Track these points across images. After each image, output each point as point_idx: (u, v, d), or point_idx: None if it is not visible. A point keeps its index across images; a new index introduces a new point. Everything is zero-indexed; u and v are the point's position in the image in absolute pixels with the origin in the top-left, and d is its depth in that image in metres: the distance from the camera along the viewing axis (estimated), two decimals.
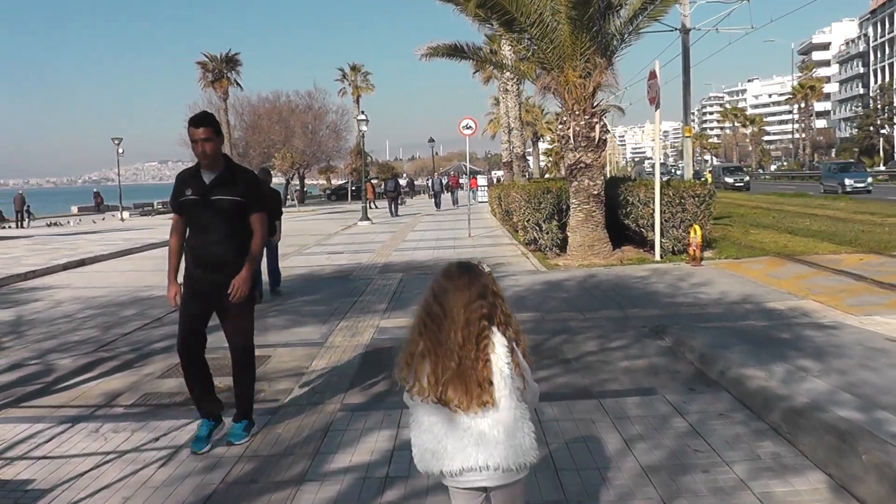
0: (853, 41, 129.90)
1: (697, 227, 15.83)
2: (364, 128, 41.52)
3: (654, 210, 16.81)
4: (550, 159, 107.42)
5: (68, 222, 52.42)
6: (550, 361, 8.42)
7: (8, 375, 9.08)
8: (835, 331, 9.05)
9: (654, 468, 5.42)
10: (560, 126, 18.29)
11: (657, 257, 16.84)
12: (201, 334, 6.31)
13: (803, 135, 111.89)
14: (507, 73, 36.31)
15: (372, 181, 66.72)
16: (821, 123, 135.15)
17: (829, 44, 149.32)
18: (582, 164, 17.52)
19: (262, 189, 6.59)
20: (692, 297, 12.17)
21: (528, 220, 19.62)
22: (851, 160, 69.59)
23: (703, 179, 27.91)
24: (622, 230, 19.47)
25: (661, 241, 16.90)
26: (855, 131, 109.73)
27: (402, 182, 70.46)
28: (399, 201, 47.88)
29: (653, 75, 17.23)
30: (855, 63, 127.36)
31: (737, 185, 64.33)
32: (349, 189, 77.66)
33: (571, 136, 17.50)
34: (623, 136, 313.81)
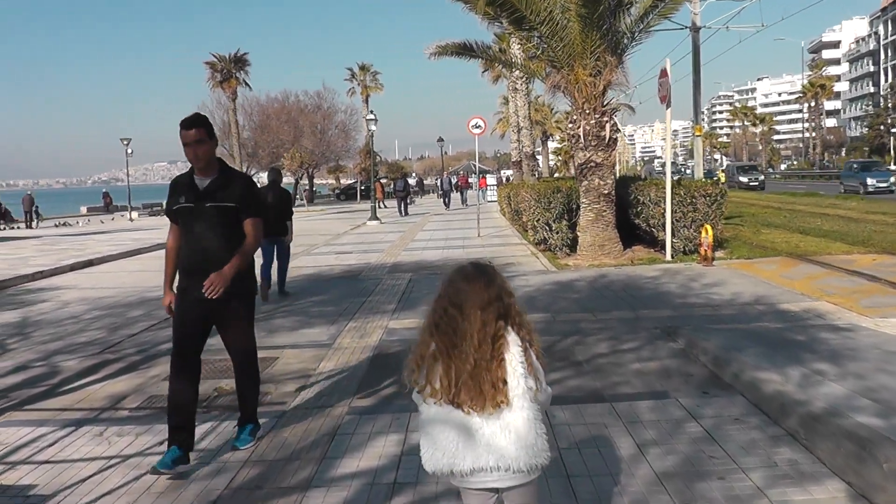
0: (863, 39, 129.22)
1: (709, 227, 15.69)
2: (373, 127, 41.48)
3: (665, 209, 16.67)
4: (560, 158, 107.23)
5: (77, 223, 52.49)
6: (562, 363, 8.30)
7: (13, 378, 9.02)
8: (850, 333, 8.90)
9: (669, 475, 5.29)
10: (570, 125, 18.18)
11: (668, 257, 16.70)
12: (195, 356, 5.99)
13: (813, 134, 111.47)
14: (517, 72, 36.16)
15: (381, 181, 66.68)
16: (831, 122, 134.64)
17: (840, 42, 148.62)
18: (592, 164, 17.40)
19: (258, 193, 6.34)
20: (704, 297, 12.04)
21: (538, 219, 19.51)
22: (872, 159, 68.58)
23: (715, 178, 27.76)
24: (633, 230, 19.34)
25: (672, 241, 16.77)
26: (865, 130, 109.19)
27: (412, 182, 70.36)
28: (408, 201, 47.79)
29: (663, 73, 17.09)
30: (865, 61, 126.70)
31: (751, 184, 63.15)
32: (358, 189, 77.68)
33: (581, 134, 17.38)
34: (633, 136, 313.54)
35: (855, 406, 5.89)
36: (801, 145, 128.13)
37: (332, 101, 78.81)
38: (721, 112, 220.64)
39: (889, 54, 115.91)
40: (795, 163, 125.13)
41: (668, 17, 18.25)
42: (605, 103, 17.61)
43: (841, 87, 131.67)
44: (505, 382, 3.17)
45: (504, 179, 65.37)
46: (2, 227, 49.25)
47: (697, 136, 29.96)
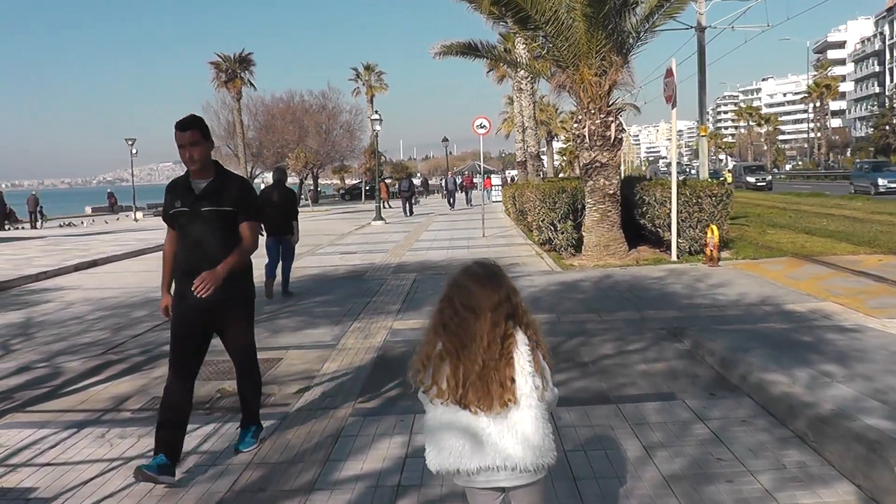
0: (869, 39, 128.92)
1: (714, 228, 15.62)
2: (378, 127, 41.46)
3: (670, 210, 16.61)
4: (565, 158, 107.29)
5: (81, 223, 52.55)
6: (567, 364, 8.24)
7: (15, 379, 8.98)
8: (857, 334, 8.83)
9: (676, 477, 5.24)
10: (575, 125, 18.13)
11: (674, 258, 16.65)
12: (193, 366, 5.83)
13: (818, 134, 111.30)
14: (522, 72, 36.15)
15: (386, 181, 66.65)
16: (836, 122, 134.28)
17: (845, 42, 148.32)
18: (597, 164, 17.35)
19: (255, 196, 6.15)
20: (710, 298, 11.97)
21: (543, 219, 19.46)
22: (879, 159, 67.93)
23: (721, 179, 27.65)
24: (638, 230, 19.28)
25: (677, 242, 16.70)
26: (871, 130, 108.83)
27: (416, 182, 70.36)
28: (413, 201, 47.76)
29: (669, 73, 17.04)
30: (870, 61, 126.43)
31: (759, 184, 62.06)
32: (363, 189, 77.65)
33: (587, 134, 17.32)
34: (637, 136, 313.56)
35: (864, 408, 5.83)
36: (805, 146, 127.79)
37: (336, 101, 78.92)
38: (726, 112, 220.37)
39: (894, 54, 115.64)
40: (800, 163, 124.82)
41: (673, 17, 18.20)
42: (610, 103, 17.56)
43: (846, 87, 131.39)
44: (513, 381, 3.15)
45: (509, 179, 65.36)
46: (6, 227, 49.25)
47: (703, 136, 29.87)
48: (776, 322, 9.90)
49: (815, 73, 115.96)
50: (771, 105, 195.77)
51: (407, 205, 45.52)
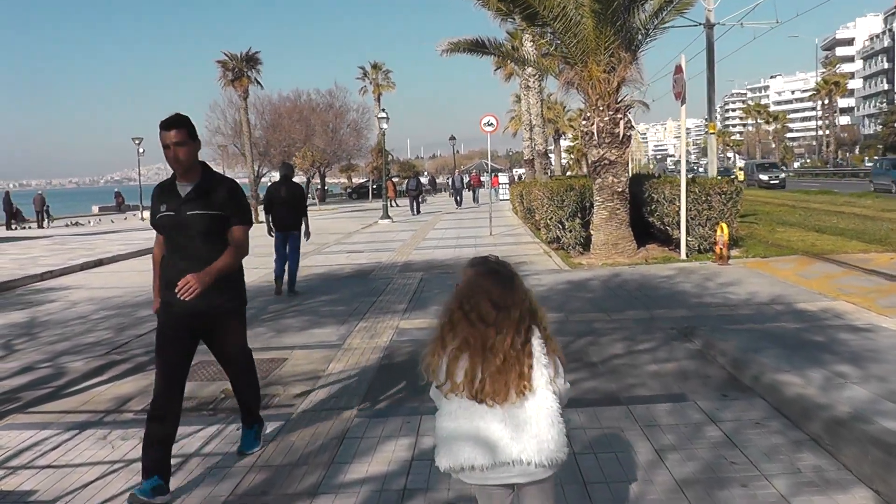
0: (877, 36, 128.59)
1: (724, 226, 15.48)
2: (385, 126, 41.38)
3: (679, 207, 16.49)
4: (572, 157, 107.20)
5: (88, 222, 52.64)
6: (576, 364, 8.14)
7: (18, 379, 8.90)
8: (870, 334, 8.70)
9: (689, 482, 5.11)
10: (583, 122, 17.99)
11: (683, 256, 16.52)
12: (181, 378, 5.46)
13: (827, 131, 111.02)
14: (529, 69, 35.99)
15: (393, 179, 66.59)
16: (844, 120, 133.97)
17: (853, 39, 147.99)
18: (606, 161, 17.23)
19: (245, 199, 5.83)
20: (720, 297, 11.84)
21: (551, 218, 19.34)
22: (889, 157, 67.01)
23: (733, 177, 27.44)
24: (646, 228, 19.16)
25: (686, 240, 16.58)
26: (879, 128, 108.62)
27: (424, 180, 70.29)
28: (420, 199, 47.69)
29: (678, 69, 16.90)
30: (879, 59, 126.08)
31: (772, 182, 60.08)
32: (370, 187, 77.64)
33: (595, 132, 17.20)
34: (645, 134, 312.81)
35: (880, 410, 5.71)
36: (814, 143, 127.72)
37: (343, 100, 78.72)
38: (734, 110, 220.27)
39: None
40: (808, 161, 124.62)
41: (682, 13, 18.10)
42: (618, 100, 17.44)
43: (855, 84, 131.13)
44: (531, 367, 3.19)
45: (516, 178, 65.29)
46: (13, 226, 49.34)
47: (711, 133, 29.66)
48: (788, 321, 9.77)
49: (824, 70, 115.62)
50: (779, 102, 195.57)
51: (414, 203, 45.48)
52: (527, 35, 31.56)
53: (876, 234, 20.16)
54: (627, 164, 18.36)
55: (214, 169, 5.79)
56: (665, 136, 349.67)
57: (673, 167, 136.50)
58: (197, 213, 5.37)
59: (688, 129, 17.18)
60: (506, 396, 3.15)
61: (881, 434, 5.16)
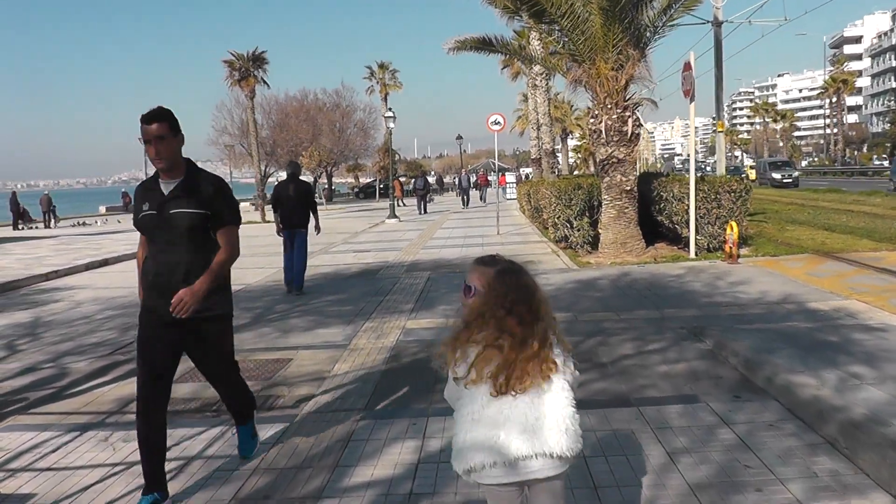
0: (886, 34, 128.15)
1: (734, 224, 15.34)
2: (392, 125, 41.37)
3: (688, 206, 16.35)
4: (579, 156, 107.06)
5: (95, 222, 52.69)
6: (586, 365, 7.99)
7: (20, 380, 8.82)
8: (884, 333, 8.56)
9: (702, 486, 4.98)
10: (591, 120, 17.88)
11: (692, 255, 16.39)
12: (165, 388, 5.21)
13: (835, 130, 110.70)
14: (536, 68, 35.91)
15: (400, 179, 66.52)
16: (852, 118, 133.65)
17: (861, 37, 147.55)
18: (614, 159, 17.12)
19: (233, 197, 5.52)
20: (731, 296, 11.71)
21: (559, 216, 19.21)
22: None
23: (743, 175, 27.27)
24: (655, 227, 19.03)
25: (696, 238, 16.44)
26: (887, 126, 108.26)
27: (431, 180, 70.27)
28: (427, 199, 47.64)
29: (687, 67, 16.76)
30: (888, 56, 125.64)
31: (785, 181, 58.97)
32: (377, 187, 77.59)
33: (603, 130, 17.08)
34: (652, 133, 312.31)
35: None
36: (822, 142, 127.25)
37: (350, 100, 78.71)
38: (741, 108, 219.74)
39: None
40: (816, 159, 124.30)
41: (690, 10, 17.92)
42: (627, 98, 17.32)
43: (863, 82, 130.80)
44: (554, 360, 3.25)
45: (523, 177, 65.19)
46: (20, 226, 49.39)
47: (720, 131, 29.51)
48: (800, 321, 9.62)
49: (832, 68, 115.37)
50: (787, 101, 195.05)
51: (421, 203, 45.42)
52: (534, 33, 31.41)
53: (886, 232, 20.00)
54: (636, 163, 18.22)
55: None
56: (672, 134, 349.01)
57: (681, 166, 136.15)
58: (181, 211, 5.07)
59: (695, 127, 17.02)
60: (530, 385, 3.19)
61: None
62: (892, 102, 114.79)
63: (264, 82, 50.99)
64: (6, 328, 12.18)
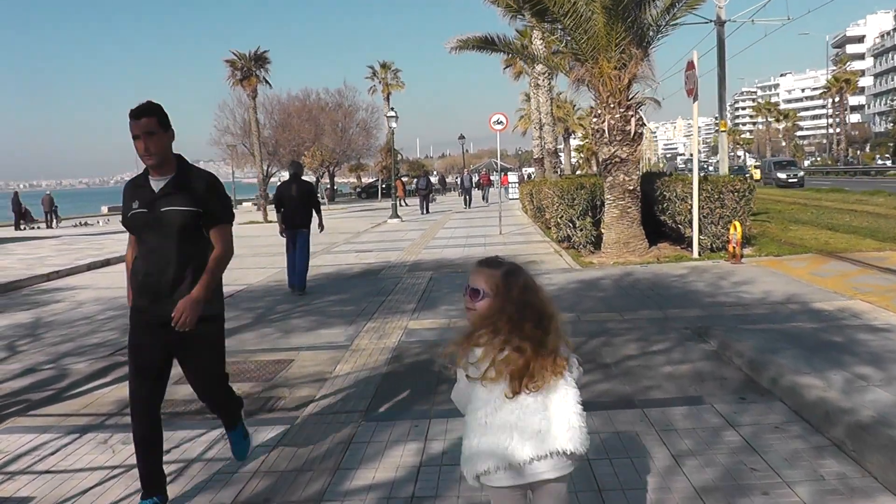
0: (888, 34, 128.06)
1: (738, 224, 15.29)
2: (394, 125, 41.35)
3: (691, 206, 16.30)
4: (582, 156, 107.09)
5: (97, 222, 52.69)
6: (589, 366, 7.93)
7: (20, 381, 8.76)
8: (890, 334, 8.52)
9: (708, 489, 4.92)
10: (594, 119, 17.82)
11: (695, 255, 16.33)
12: (158, 389, 5.08)
13: (837, 129, 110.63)
14: (539, 67, 35.87)
15: (402, 179, 66.49)
16: (855, 118, 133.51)
17: (864, 37, 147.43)
18: (617, 159, 17.06)
19: (225, 195, 5.27)
20: (734, 296, 11.65)
21: (562, 216, 19.16)
22: None
23: (748, 175, 27.18)
24: (658, 227, 18.97)
25: (699, 238, 16.38)
26: (890, 125, 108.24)
27: (433, 180, 70.25)
28: (430, 199, 47.60)
29: (690, 66, 16.70)
30: (890, 56, 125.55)
31: (790, 181, 58.38)
32: (379, 187, 77.59)
33: (606, 129, 17.03)
34: (655, 132, 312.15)
35: None
36: (824, 141, 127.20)
37: (353, 100, 78.77)
38: (744, 108, 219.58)
39: None
40: (819, 159, 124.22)
41: (694, 9, 17.86)
42: (630, 97, 17.28)
43: (865, 82, 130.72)
44: (566, 358, 3.28)
45: (526, 177, 65.15)
46: (22, 226, 49.40)
47: (722, 131, 29.45)
48: (804, 321, 9.56)
49: (834, 67, 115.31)
50: (789, 101, 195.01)
51: (423, 203, 45.38)
52: (536, 32, 31.40)
53: (890, 232, 19.94)
54: (639, 162, 18.17)
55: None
56: (675, 134, 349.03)
57: (683, 166, 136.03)
58: (173, 209, 4.88)
59: (698, 127, 17.00)
60: (542, 384, 3.20)
61: None
62: (895, 102, 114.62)
63: (266, 82, 51.00)
64: (7, 329, 12.14)
